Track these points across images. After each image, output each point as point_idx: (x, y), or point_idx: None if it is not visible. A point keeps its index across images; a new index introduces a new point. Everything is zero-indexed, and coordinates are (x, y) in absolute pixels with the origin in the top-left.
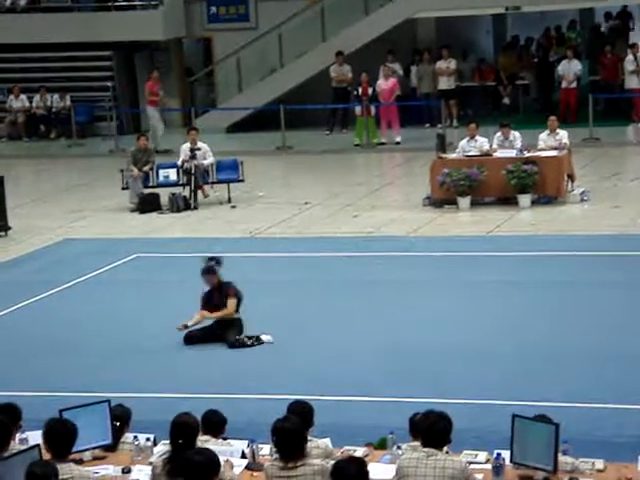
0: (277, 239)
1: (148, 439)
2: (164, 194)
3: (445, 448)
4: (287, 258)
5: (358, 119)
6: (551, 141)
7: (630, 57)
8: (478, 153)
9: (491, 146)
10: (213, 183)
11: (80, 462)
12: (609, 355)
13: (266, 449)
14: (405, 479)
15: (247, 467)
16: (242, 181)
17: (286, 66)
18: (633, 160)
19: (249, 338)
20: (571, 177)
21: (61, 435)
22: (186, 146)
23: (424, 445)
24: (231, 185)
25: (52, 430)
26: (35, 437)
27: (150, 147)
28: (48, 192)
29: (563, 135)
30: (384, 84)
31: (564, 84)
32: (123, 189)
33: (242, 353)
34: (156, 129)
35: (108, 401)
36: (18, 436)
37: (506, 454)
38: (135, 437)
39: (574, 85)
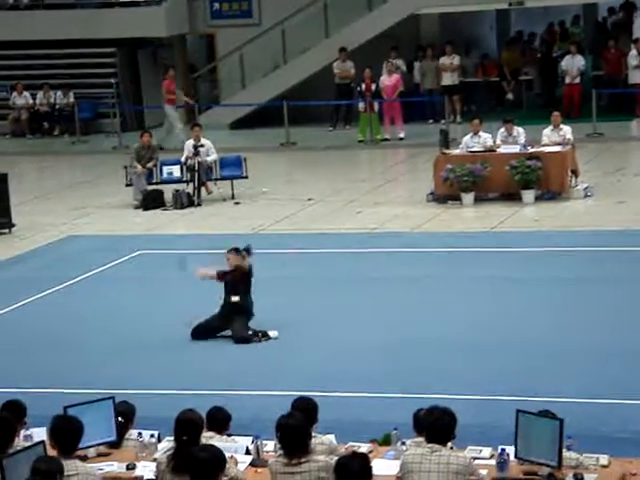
0: (281, 235)
1: (152, 435)
2: (168, 191)
3: (449, 444)
4: (291, 254)
5: (361, 115)
6: (555, 136)
7: (634, 52)
8: (482, 149)
9: (495, 142)
10: (217, 179)
11: (84, 458)
12: (613, 351)
13: (270, 445)
14: (409, 475)
15: (251, 463)
16: (246, 177)
17: (289, 62)
18: (637, 155)
19: (256, 334)
20: (575, 172)
21: (68, 431)
22: (189, 143)
23: (428, 441)
24: (235, 181)
25: (59, 426)
26: (39, 434)
27: (154, 144)
28: (52, 189)
29: (567, 130)
30: (387, 80)
31: (567, 79)
32: (127, 186)
33: (246, 349)
34: (174, 127)
35: (112, 398)
36: (23, 433)
37: (510, 450)
38: (139, 433)
39: (577, 80)
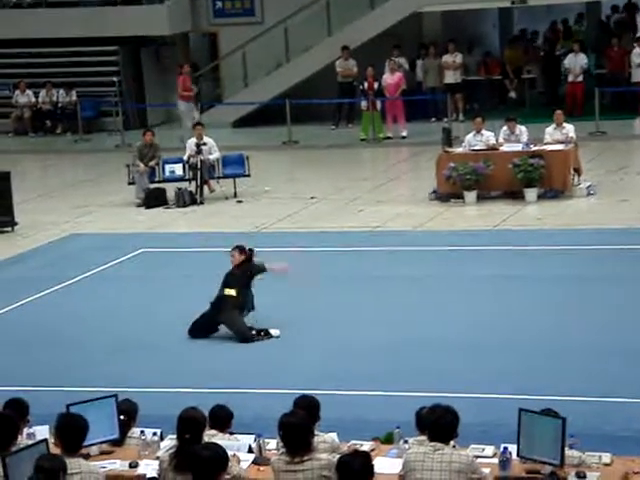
0: (283, 234)
1: (155, 434)
2: (170, 189)
3: (452, 442)
4: (293, 253)
5: (364, 114)
6: (557, 135)
7: (637, 50)
8: (484, 147)
9: (497, 140)
10: (219, 178)
11: (87, 457)
12: (616, 349)
13: (273, 444)
14: (412, 473)
15: (254, 462)
16: (248, 176)
17: (292, 61)
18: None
19: (258, 332)
20: (577, 171)
21: (73, 429)
22: (192, 141)
23: (431, 439)
24: (237, 180)
25: (64, 424)
26: (42, 432)
27: (156, 142)
28: (54, 187)
29: (569, 129)
30: (390, 78)
31: (570, 78)
32: (129, 184)
33: (248, 347)
34: (188, 125)
35: (115, 396)
36: (25, 431)
37: (513, 448)
38: (142, 432)
39: (580, 79)
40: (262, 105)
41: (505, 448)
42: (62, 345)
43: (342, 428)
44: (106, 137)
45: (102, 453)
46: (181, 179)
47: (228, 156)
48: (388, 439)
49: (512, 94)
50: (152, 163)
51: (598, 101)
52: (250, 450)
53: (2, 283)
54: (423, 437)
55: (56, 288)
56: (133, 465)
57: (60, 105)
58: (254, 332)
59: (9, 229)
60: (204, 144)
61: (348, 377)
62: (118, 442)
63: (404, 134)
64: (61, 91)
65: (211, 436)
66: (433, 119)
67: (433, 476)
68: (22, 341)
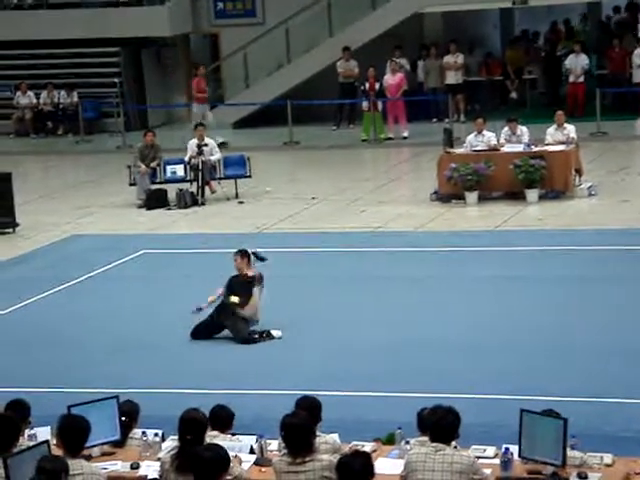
0: (284, 234)
1: (156, 435)
2: (171, 190)
3: (453, 443)
4: (294, 253)
5: (365, 114)
6: (558, 135)
7: (638, 51)
8: (485, 148)
9: (498, 141)
10: (220, 179)
11: (89, 458)
12: (617, 349)
13: (274, 444)
14: (413, 474)
15: (255, 462)
16: (249, 177)
17: (293, 61)
18: None
19: (260, 334)
20: (579, 171)
21: (75, 431)
22: (193, 142)
23: (432, 440)
24: (238, 181)
25: (66, 426)
26: (43, 433)
27: (157, 143)
28: (55, 188)
29: (570, 129)
30: (391, 79)
31: (571, 78)
32: (130, 185)
33: (250, 348)
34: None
35: (116, 397)
36: (27, 432)
37: (514, 449)
38: (143, 433)
39: (581, 79)
40: (263, 106)
41: (506, 449)
42: (63, 346)
43: (343, 429)
44: (107, 138)
45: (103, 454)
46: (182, 180)
47: (229, 157)
48: (389, 440)
49: (513, 95)
50: (153, 164)
51: (599, 102)
52: (252, 451)
53: (3, 284)
54: (425, 438)
55: (57, 289)
56: (134, 466)
57: (61, 106)
58: (256, 335)
59: (10, 230)
60: (205, 145)
61: (349, 378)
62: (119, 443)
63: (405, 135)
64: (62, 92)
65: (213, 437)
66: (434, 120)
67: (434, 477)
68: (23, 342)
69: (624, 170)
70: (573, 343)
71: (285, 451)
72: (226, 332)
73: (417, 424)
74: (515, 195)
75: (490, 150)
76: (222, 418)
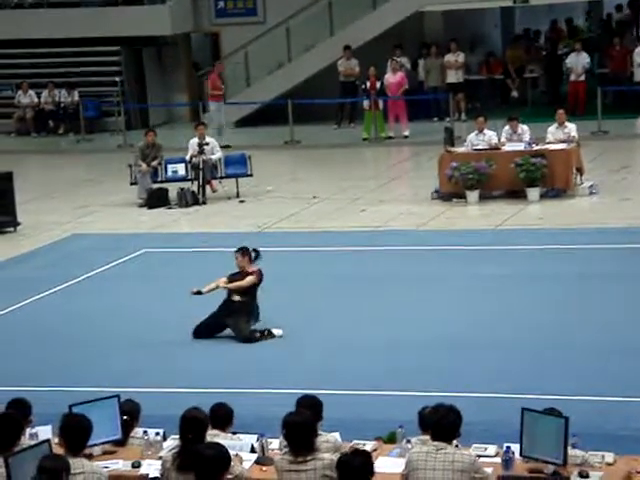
0: (285, 233)
1: (158, 434)
2: (172, 189)
3: (455, 442)
4: (295, 252)
5: (366, 113)
6: (559, 134)
7: (639, 49)
8: (486, 147)
9: (499, 139)
10: (221, 178)
11: (90, 457)
12: (618, 348)
13: (275, 443)
14: (415, 473)
15: (256, 461)
16: (250, 176)
17: (294, 60)
18: None
19: (261, 332)
20: (580, 170)
21: (77, 430)
22: (194, 141)
23: (433, 439)
24: (239, 180)
25: (68, 425)
26: (45, 432)
27: (158, 142)
28: (56, 187)
29: (571, 128)
30: (392, 78)
31: (572, 77)
32: (131, 184)
33: (251, 347)
34: (222, 122)
35: (117, 396)
36: (28, 431)
37: (515, 447)
38: (145, 432)
39: (582, 78)
40: (264, 105)
41: (508, 447)
42: (65, 345)
43: (345, 428)
44: (108, 137)
45: (105, 453)
46: (183, 179)
47: (230, 156)
48: (391, 439)
49: (514, 93)
50: (154, 163)
51: (600, 100)
52: (253, 450)
53: (5, 283)
54: (426, 437)
55: (58, 288)
56: (136, 465)
57: (62, 105)
58: (257, 334)
59: (12, 229)
60: (206, 144)
61: (351, 376)
62: (121, 442)
63: (406, 134)
64: (63, 91)
65: (213, 436)
66: (435, 119)
67: (436, 475)
68: (25, 341)
69: (625, 169)
70: (574, 341)
71: (286, 450)
72: (228, 331)
73: (418, 423)
74: (516, 194)
75: (491, 149)
76: (221, 416)
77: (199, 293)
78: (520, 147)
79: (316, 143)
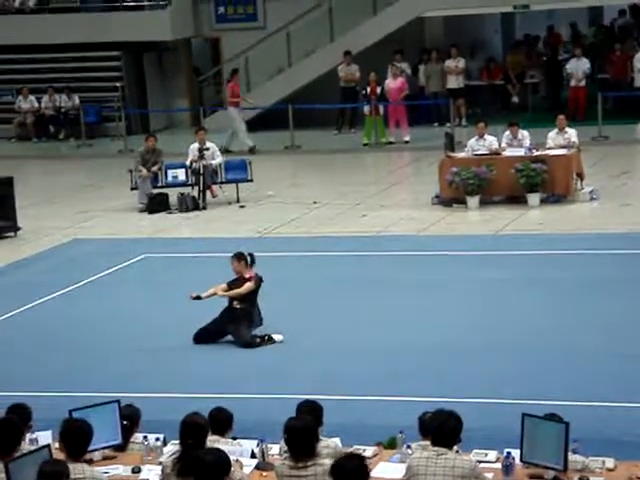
0: (286, 238)
1: (158, 439)
2: (173, 194)
3: (455, 447)
4: (295, 257)
5: (367, 118)
6: (560, 140)
7: (639, 55)
8: (487, 152)
9: (500, 145)
10: (222, 183)
11: (90, 462)
12: (618, 353)
13: (276, 449)
14: (415, 478)
15: (257, 467)
16: (251, 181)
17: (294, 66)
18: None
19: (262, 338)
20: (580, 176)
21: (78, 435)
22: (194, 146)
23: (434, 444)
24: (240, 185)
25: (69, 430)
26: (45, 437)
27: (158, 147)
28: (57, 193)
29: (572, 134)
30: (392, 83)
31: (573, 82)
32: (132, 189)
33: (251, 352)
34: (238, 131)
35: (118, 401)
36: (28, 436)
37: (516, 453)
38: (145, 437)
39: (583, 83)
40: (264, 110)
41: (508, 453)
42: (65, 350)
43: (345, 433)
44: (109, 142)
45: (105, 458)
46: (184, 184)
47: (230, 161)
48: (391, 444)
49: (514, 99)
50: (155, 168)
51: (601, 106)
52: (253, 455)
53: (5, 288)
54: (426, 442)
55: (59, 293)
56: (136, 470)
57: (63, 110)
58: (257, 339)
59: (12, 234)
60: (207, 149)
61: (351, 381)
62: (121, 447)
63: (407, 139)
64: (63, 96)
65: (214, 442)
66: (436, 124)
67: None
68: (25, 346)
69: (625, 174)
70: (574, 346)
71: (287, 455)
72: (228, 336)
73: (419, 428)
74: (516, 199)
75: (491, 154)
76: (221, 420)
77: (198, 298)
78: (520, 152)
79: (316, 148)
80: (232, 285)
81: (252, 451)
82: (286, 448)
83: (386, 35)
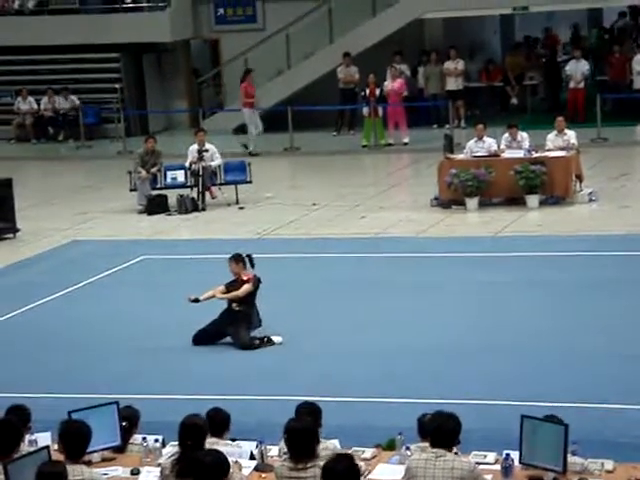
0: (285, 240)
1: (157, 440)
2: (172, 196)
3: (454, 449)
4: (295, 259)
5: (366, 120)
6: (559, 141)
7: (638, 57)
8: (486, 154)
9: (499, 147)
10: (221, 184)
11: (89, 464)
12: (618, 354)
13: (275, 450)
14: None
15: (256, 468)
16: (250, 182)
17: (293, 67)
18: None
19: (261, 340)
20: (579, 177)
21: (76, 436)
22: (194, 147)
23: (433, 446)
24: (239, 186)
25: (68, 431)
26: (44, 439)
27: (158, 149)
28: (56, 194)
29: (571, 135)
30: (391, 85)
31: (572, 84)
32: (131, 191)
33: (250, 354)
34: (252, 132)
35: (117, 402)
36: (27, 438)
37: (515, 455)
38: (144, 438)
39: (582, 85)
40: (264, 111)
41: (507, 455)
42: (64, 351)
43: (344, 435)
44: (108, 144)
45: (104, 460)
46: (183, 186)
47: (230, 162)
48: (390, 446)
49: (514, 101)
50: (154, 170)
51: (600, 108)
52: (252, 457)
53: (4, 289)
54: (425, 444)
55: (58, 295)
56: (135, 472)
57: (62, 112)
58: (257, 341)
59: (11, 235)
60: (206, 150)
61: (350, 383)
62: (120, 449)
63: (406, 141)
64: (62, 98)
65: (212, 444)
66: (435, 126)
67: None
68: (24, 347)
69: (624, 176)
70: (573, 348)
71: (286, 456)
72: (227, 338)
73: (418, 430)
74: (515, 201)
75: (490, 156)
76: (219, 421)
77: (196, 301)
78: (519, 154)
79: (316, 150)
80: (230, 287)
81: (251, 452)
82: (285, 449)
83: (385, 37)
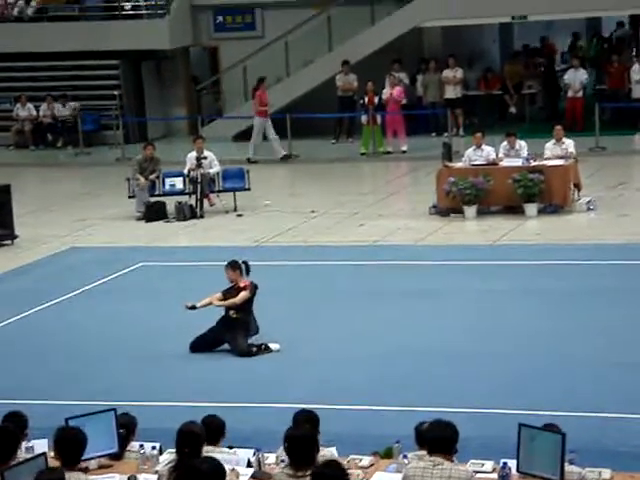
0: (283, 248)
1: (154, 448)
2: (170, 203)
3: (453, 457)
4: (293, 267)
5: (364, 128)
6: (557, 150)
7: (637, 66)
8: (484, 162)
9: (497, 155)
10: (219, 192)
11: (86, 470)
12: (615, 363)
13: (272, 458)
14: None
15: (253, 476)
16: (248, 190)
17: (292, 75)
18: (639, 169)
19: (258, 347)
20: (577, 186)
21: (72, 443)
22: (192, 155)
23: (430, 454)
24: (237, 194)
25: (63, 438)
26: (41, 446)
27: (156, 156)
28: (54, 200)
29: (569, 144)
30: (390, 93)
31: (570, 93)
32: (129, 198)
33: (248, 361)
34: (252, 139)
35: (114, 409)
36: (24, 444)
37: (512, 463)
38: (141, 446)
39: (580, 94)
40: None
41: (504, 463)
42: (62, 358)
43: (341, 442)
44: (107, 150)
45: (101, 467)
46: (181, 193)
47: (228, 170)
48: (387, 454)
49: (512, 109)
50: (152, 177)
51: (598, 117)
52: (249, 464)
53: (2, 296)
54: (423, 452)
55: (56, 301)
56: (132, 479)
57: (61, 118)
58: (254, 348)
59: (9, 242)
60: (204, 158)
61: (347, 391)
62: (117, 456)
63: (404, 149)
64: (61, 104)
65: (208, 452)
66: (433, 134)
67: None
68: (22, 354)
69: (623, 185)
70: (572, 357)
71: (286, 464)
72: (225, 345)
73: (415, 438)
74: (514, 209)
75: (489, 164)
76: (214, 428)
77: (193, 308)
78: (518, 163)
79: (314, 158)
80: (227, 294)
81: (248, 460)
82: (283, 457)
83: (384, 45)
